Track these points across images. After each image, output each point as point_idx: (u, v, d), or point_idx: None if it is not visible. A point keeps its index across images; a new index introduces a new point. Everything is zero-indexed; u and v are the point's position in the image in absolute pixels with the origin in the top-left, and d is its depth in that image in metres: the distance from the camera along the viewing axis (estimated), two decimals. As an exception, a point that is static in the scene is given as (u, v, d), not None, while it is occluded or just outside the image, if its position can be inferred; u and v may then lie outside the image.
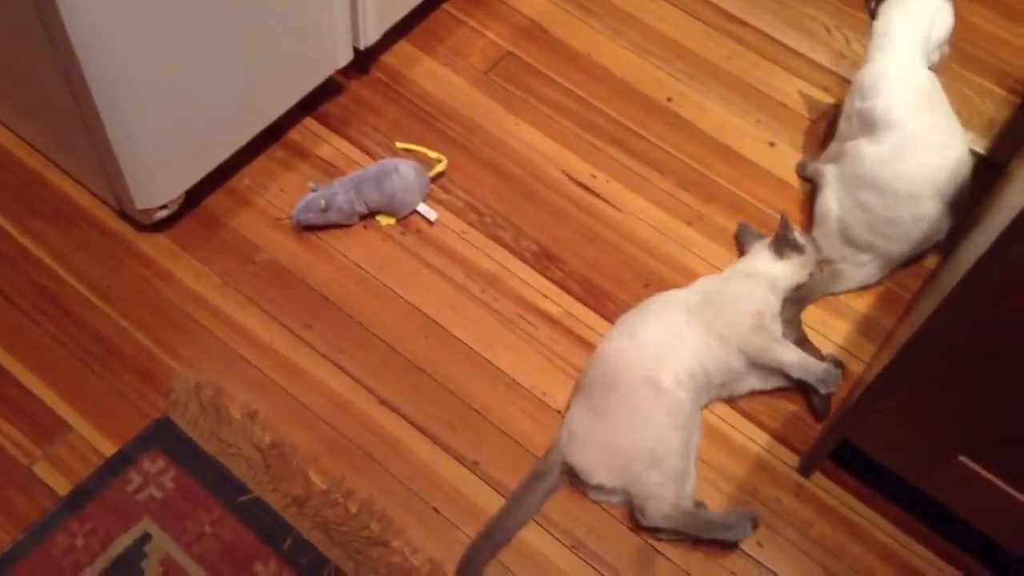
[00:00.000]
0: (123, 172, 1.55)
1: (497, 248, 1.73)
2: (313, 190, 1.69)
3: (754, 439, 1.57)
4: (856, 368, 1.64)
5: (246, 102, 1.66)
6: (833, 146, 1.76)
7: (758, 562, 1.46)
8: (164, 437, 1.50)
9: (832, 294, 1.70)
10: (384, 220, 1.74)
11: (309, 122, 1.85)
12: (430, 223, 1.75)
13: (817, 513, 1.51)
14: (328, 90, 1.86)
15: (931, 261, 1.75)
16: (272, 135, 1.80)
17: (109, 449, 1.49)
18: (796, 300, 1.65)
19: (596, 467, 1.46)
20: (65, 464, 1.47)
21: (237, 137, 1.70)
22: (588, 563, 1.45)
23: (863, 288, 1.71)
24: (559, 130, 1.88)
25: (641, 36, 2.02)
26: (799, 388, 1.59)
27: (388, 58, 1.95)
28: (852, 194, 1.65)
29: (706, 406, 1.57)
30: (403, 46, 1.97)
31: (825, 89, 1.97)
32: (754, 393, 1.59)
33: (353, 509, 1.46)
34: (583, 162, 1.84)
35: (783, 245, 1.63)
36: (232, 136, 1.69)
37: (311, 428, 1.53)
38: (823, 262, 1.71)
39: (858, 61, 1.71)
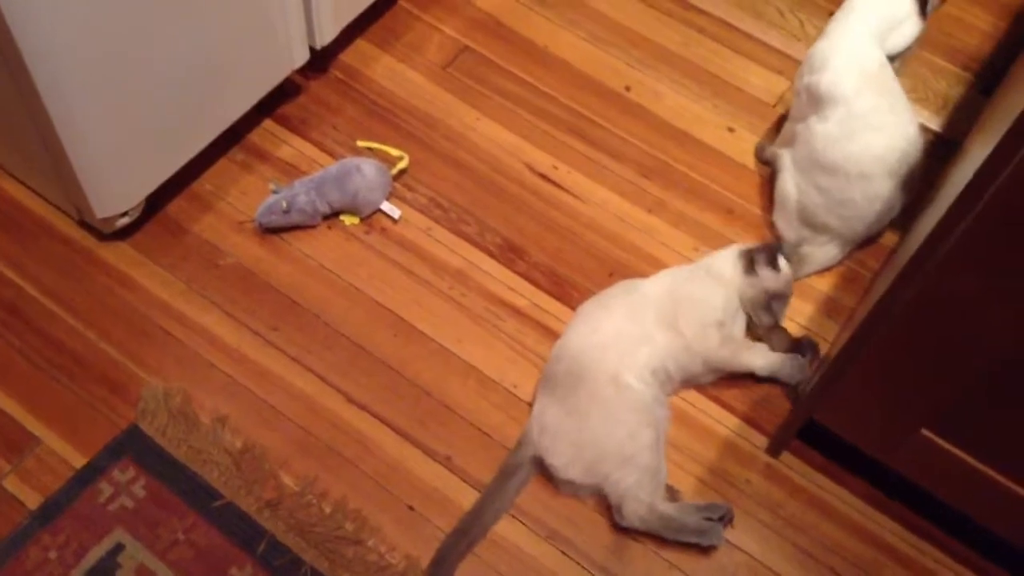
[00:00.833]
0: (81, 181, 1.54)
1: (462, 243, 1.74)
2: (274, 192, 1.69)
3: (722, 421, 1.58)
4: (823, 349, 1.66)
5: (203, 105, 1.65)
6: (787, 126, 1.78)
7: (730, 543, 1.48)
8: (134, 446, 1.49)
9: (797, 278, 1.72)
10: (348, 219, 1.74)
11: (269, 124, 1.84)
12: (394, 221, 1.75)
13: (787, 493, 1.53)
14: (286, 91, 1.85)
15: (890, 239, 1.78)
16: (232, 138, 1.79)
17: (79, 460, 1.48)
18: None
19: (568, 463, 1.46)
20: (35, 477, 1.46)
21: (196, 141, 1.69)
22: (564, 552, 1.46)
23: (825, 269, 1.74)
24: (519, 123, 1.88)
25: (597, 26, 2.03)
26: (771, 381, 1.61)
27: (346, 57, 1.95)
28: (808, 177, 1.67)
29: (671, 395, 1.58)
30: (360, 44, 1.97)
31: (781, 72, 1.99)
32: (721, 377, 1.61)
33: (327, 509, 1.46)
34: (544, 154, 1.85)
35: (758, 263, 1.59)
36: (190, 140, 1.68)
37: (282, 430, 1.53)
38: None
39: (812, 43, 1.72)
